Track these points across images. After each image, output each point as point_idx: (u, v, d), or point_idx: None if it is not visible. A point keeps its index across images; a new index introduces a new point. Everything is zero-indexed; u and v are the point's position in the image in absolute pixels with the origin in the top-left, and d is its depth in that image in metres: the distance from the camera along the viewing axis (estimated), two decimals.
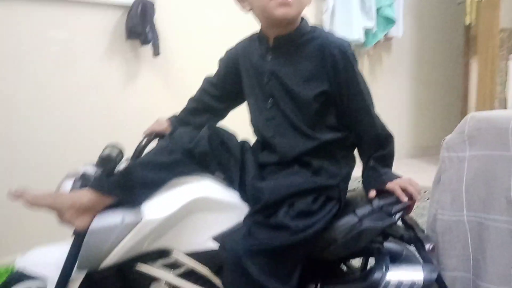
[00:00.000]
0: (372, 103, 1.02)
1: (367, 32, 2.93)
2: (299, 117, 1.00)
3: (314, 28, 1.02)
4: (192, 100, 1.19)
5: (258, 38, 1.06)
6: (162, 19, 2.09)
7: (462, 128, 1.05)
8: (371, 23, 2.89)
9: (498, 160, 0.97)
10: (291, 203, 0.93)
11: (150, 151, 0.99)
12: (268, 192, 0.94)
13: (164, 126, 1.14)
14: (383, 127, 1.03)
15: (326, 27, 2.86)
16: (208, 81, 1.18)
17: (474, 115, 1.04)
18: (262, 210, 0.94)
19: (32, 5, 1.77)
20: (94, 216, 0.90)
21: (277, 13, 0.94)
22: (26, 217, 1.70)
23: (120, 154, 0.96)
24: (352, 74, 0.98)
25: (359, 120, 1.01)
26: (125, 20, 2.00)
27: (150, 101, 2.12)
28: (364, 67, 3.23)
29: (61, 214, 0.89)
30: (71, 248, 0.93)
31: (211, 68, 1.75)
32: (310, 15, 2.87)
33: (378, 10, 2.94)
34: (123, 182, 0.91)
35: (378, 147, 1.02)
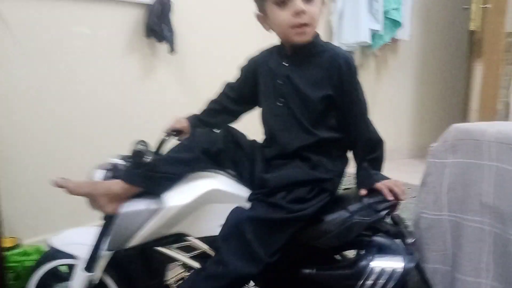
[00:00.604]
0: (367, 111, 1.16)
1: (374, 34, 3.03)
2: (305, 115, 1.13)
3: (325, 43, 1.17)
4: (212, 101, 1.33)
5: (277, 49, 1.21)
6: (179, 18, 2.18)
7: (446, 138, 1.18)
8: (378, 26, 2.98)
9: (474, 168, 1.09)
10: (290, 190, 1.07)
11: (172, 148, 1.11)
12: (273, 182, 1.08)
13: (183, 125, 1.27)
14: (375, 132, 1.15)
15: (334, 28, 2.96)
16: (228, 85, 1.32)
17: (456, 126, 1.17)
18: (264, 193, 1.08)
19: (60, 2, 1.86)
20: (122, 203, 1.04)
21: (295, 39, 1.10)
22: (52, 201, 1.85)
23: (149, 149, 1.10)
24: (354, 83, 1.12)
25: (355, 123, 1.13)
26: (144, 17, 2.08)
27: (165, 96, 2.23)
28: (370, 68, 3.33)
29: (96, 201, 1.03)
30: (101, 230, 1.08)
31: (224, 66, 1.88)
32: None
33: (385, 13, 3.03)
34: (150, 175, 1.04)
35: (370, 150, 1.14)
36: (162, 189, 1.06)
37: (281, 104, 1.15)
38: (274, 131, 1.17)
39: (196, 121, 1.29)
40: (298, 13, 1.05)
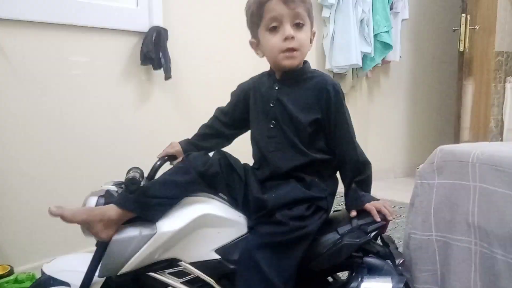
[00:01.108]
0: (353, 134, 1.19)
1: (365, 56, 3.10)
2: (296, 137, 1.16)
3: (314, 70, 1.23)
4: (204, 126, 1.36)
5: (268, 74, 1.26)
6: (174, 45, 2.24)
7: (432, 159, 1.21)
8: (369, 48, 3.05)
9: (460, 188, 1.12)
10: (289, 207, 1.09)
11: (167, 171, 1.12)
12: (271, 202, 1.09)
13: (176, 149, 1.30)
14: (362, 155, 1.18)
15: (326, 51, 3.03)
16: (220, 110, 1.36)
17: (442, 148, 1.20)
18: (265, 215, 1.09)
19: (57, 31, 1.91)
20: (116, 229, 1.05)
21: (284, 63, 1.16)
22: (44, 228, 1.86)
23: (142, 175, 1.11)
24: (341, 108, 1.17)
25: (341, 146, 1.17)
26: (140, 45, 2.14)
27: (161, 121, 2.27)
28: (362, 89, 3.39)
29: (91, 227, 1.02)
30: (94, 256, 1.08)
31: (217, 92, 1.88)
32: None
33: (375, 36, 3.11)
34: (144, 200, 1.04)
35: (358, 172, 1.17)
36: (157, 214, 1.07)
37: (273, 126, 1.19)
38: (266, 152, 1.20)
39: (189, 145, 1.32)
40: (287, 38, 1.12)
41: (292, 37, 1.12)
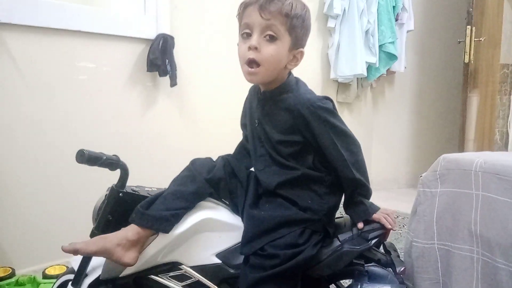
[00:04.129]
0: (348, 151, 1.09)
1: (370, 66, 3.11)
2: (280, 156, 1.12)
3: (293, 87, 1.12)
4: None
5: (255, 87, 1.21)
6: (180, 53, 2.27)
7: (435, 167, 1.21)
8: (373, 59, 3.07)
9: (462, 197, 1.12)
10: (280, 235, 1.06)
11: (175, 181, 1.12)
12: (259, 221, 1.08)
13: None
14: (356, 173, 1.10)
15: (331, 61, 3.05)
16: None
17: (445, 157, 1.20)
18: (252, 239, 1.07)
19: (65, 37, 1.93)
20: (141, 250, 1.01)
21: (246, 78, 1.09)
22: (47, 231, 1.87)
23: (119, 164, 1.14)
24: (324, 127, 1.07)
25: (335, 167, 1.11)
26: (146, 52, 2.16)
27: (166, 127, 2.27)
28: (367, 98, 3.40)
29: (111, 254, 0.98)
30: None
31: (222, 99, 1.85)
32: (316, 50, 3.06)
33: (381, 46, 3.13)
34: (159, 214, 1.03)
35: (356, 187, 1.11)
36: (172, 225, 1.05)
37: (261, 146, 1.16)
38: (256, 171, 1.17)
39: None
40: (250, 47, 1.04)
41: (255, 48, 1.03)
